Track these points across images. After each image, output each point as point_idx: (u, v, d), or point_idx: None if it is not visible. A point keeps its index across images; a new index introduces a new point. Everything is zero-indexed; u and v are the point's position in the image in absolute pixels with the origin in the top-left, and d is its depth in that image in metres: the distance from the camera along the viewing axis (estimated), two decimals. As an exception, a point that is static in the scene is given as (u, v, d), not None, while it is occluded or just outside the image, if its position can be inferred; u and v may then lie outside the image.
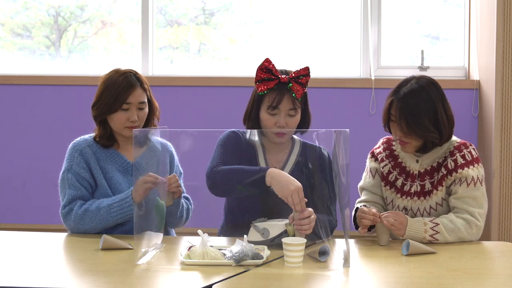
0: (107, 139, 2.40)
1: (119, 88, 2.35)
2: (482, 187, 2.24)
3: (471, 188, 2.22)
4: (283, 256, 1.92)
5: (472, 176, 2.23)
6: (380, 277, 1.81)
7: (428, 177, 2.29)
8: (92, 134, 2.46)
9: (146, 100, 2.41)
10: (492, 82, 3.62)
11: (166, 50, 4.19)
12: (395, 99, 2.23)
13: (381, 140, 2.47)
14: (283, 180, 2.01)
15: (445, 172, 2.25)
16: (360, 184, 2.47)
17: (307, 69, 2.23)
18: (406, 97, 2.20)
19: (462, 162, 2.24)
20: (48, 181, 3.98)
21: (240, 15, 4.16)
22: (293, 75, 2.22)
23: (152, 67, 4.05)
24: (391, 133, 2.32)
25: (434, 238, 2.16)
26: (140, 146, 2.39)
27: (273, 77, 2.21)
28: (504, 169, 3.60)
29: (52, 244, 2.20)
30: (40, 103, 3.99)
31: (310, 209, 2.02)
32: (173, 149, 2.53)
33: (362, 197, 2.44)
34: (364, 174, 2.46)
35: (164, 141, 2.49)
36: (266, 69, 2.22)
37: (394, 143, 2.41)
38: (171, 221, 2.36)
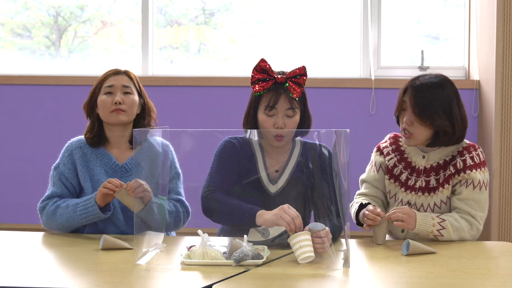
0: (95, 135, 2.40)
1: (101, 77, 2.42)
2: (486, 191, 2.25)
3: (476, 191, 2.23)
4: (283, 256, 1.92)
5: (479, 180, 2.23)
6: (380, 277, 1.81)
7: (434, 174, 2.29)
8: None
9: (132, 87, 2.41)
10: (492, 82, 3.62)
11: (166, 50, 4.19)
12: (410, 86, 2.25)
13: (388, 136, 2.46)
14: (270, 213, 2.01)
15: (453, 171, 2.25)
16: (363, 176, 2.45)
17: (303, 69, 2.19)
18: (422, 86, 2.23)
19: (471, 163, 2.24)
20: (48, 181, 3.97)
21: (240, 15, 4.16)
22: (290, 74, 2.20)
23: (152, 67, 4.05)
24: (399, 124, 2.31)
25: (440, 233, 2.17)
26: (133, 147, 2.38)
27: (269, 77, 2.19)
28: (504, 169, 3.60)
29: (52, 244, 2.20)
30: (40, 103, 3.99)
31: (327, 228, 1.96)
32: (172, 150, 2.51)
33: (363, 190, 2.43)
34: (368, 167, 2.45)
35: (163, 140, 2.47)
36: (262, 69, 2.19)
37: (401, 139, 2.39)
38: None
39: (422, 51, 3.97)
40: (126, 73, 2.43)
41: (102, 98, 2.38)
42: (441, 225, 2.17)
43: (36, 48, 4.25)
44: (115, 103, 2.35)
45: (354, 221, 2.30)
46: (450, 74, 3.94)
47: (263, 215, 2.03)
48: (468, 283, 1.72)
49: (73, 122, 3.95)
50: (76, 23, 4.22)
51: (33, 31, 4.25)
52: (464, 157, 2.25)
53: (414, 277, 1.78)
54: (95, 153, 2.40)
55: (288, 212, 1.96)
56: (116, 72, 2.42)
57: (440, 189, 2.27)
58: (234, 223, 2.14)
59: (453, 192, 2.27)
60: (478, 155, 2.27)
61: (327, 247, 1.93)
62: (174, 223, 2.36)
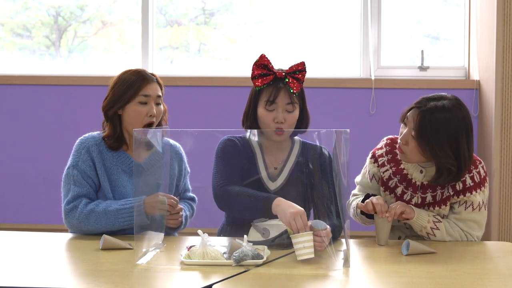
0: (115, 140, 2.33)
1: (131, 79, 2.29)
2: (485, 211, 2.24)
3: (475, 212, 2.21)
4: (283, 256, 1.92)
5: (479, 202, 2.21)
6: (380, 277, 1.81)
7: (431, 191, 2.25)
8: (100, 132, 2.40)
9: (162, 96, 2.36)
10: (492, 82, 3.62)
11: (166, 50, 4.19)
12: (419, 108, 2.13)
13: (384, 141, 2.40)
14: (284, 207, 1.99)
15: (452, 193, 2.22)
16: (357, 179, 2.45)
17: (302, 64, 2.23)
18: (431, 112, 2.10)
19: (471, 184, 2.20)
20: (48, 181, 3.98)
21: (240, 15, 4.16)
22: (290, 70, 2.22)
23: (152, 67, 4.05)
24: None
25: (433, 232, 2.18)
26: (148, 148, 2.33)
27: (269, 72, 2.22)
28: (504, 169, 3.60)
29: (52, 244, 2.20)
30: (40, 103, 3.99)
31: (328, 227, 1.97)
32: (182, 151, 2.50)
33: (357, 192, 2.43)
34: (363, 171, 2.43)
35: (173, 142, 2.48)
36: (262, 65, 2.22)
37: (397, 145, 2.36)
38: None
39: (422, 51, 3.97)
40: (157, 80, 2.36)
41: (135, 107, 2.29)
42: (435, 225, 2.18)
43: (36, 48, 4.24)
44: (150, 115, 2.30)
45: (355, 212, 2.27)
46: (450, 74, 3.97)
47: (280, 205, 2.01)
48: (468, 283, 1.72)
49: (73, 122, 3.96)
50: (76, 23, 4.22)
51: (33, 31, 4.25)
52: (464, 178, 2.20)
53: (414, 277, 1.78)
54: (112, 153, 2.33)
55: (303, 219, 1.94)
56: (147, 79, 2.32)
57: (437, 208, 2.24)
58: (252, 212, 2.11)
59: (450, 209, 2.26)
60: (478, 172, 2.21)
61: (325, 247, 1.93)
62: (184, 225, 2.39)
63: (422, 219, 2.18)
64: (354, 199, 2.36)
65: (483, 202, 2.22)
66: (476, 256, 2.02)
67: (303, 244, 1.88)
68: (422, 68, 3.96)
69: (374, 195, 2.24)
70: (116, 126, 2.33)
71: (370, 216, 2.21)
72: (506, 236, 3.62)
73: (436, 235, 2.18)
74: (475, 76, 3.87)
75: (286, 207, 1.98)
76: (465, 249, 2.12)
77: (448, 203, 2.23)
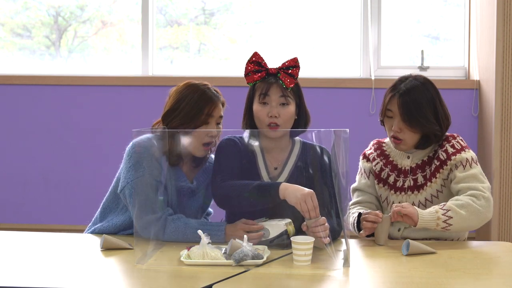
0: (176, 156, 2.24)
1: (200, 102, 2.24)
2: (477, 165, 2.28)
3: (467, 169, 2.25)
4: (283, 256, 1.92)
5: (466, 158, 2.26)
6: (380, 277, 1.81)
7: (420, 171, 2.33)
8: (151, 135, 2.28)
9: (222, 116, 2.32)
10: (492, 82, 3.62)
11: (166, 50, 4.19)
12: (396, 94, 2.27)
13: (372, 143, 2.50)
14: (293, 189, 2.01)
15: (438, 164, 2.29)
16: (354, 185, 2.48)
17: (295, 60, 2.23)
18: (408, 92, 2.26)
19: (453, 150, 2.29)
20: (48, 181, 3.98)
21: (240, 15, 4.16)
22: (282, 66, 2.23)
23: (152, 67, 4.05)
24: (384, 127, 2.36)
25: (447, 216, 2.14)
26: (196, 165, 2.33)
27: (261, 68, 2.24)
28: (504, 169, 3.60)
29: (52, 244, 2.20)
30: (40, 103, 3.99)
31: (322, 217, 1.99)
32: None
33: (355, 199, 2.45)
34: (358, 176, 2.49)
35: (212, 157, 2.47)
36: (255, 62, 2.24)
37: (384, 144, 2.44)
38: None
39: (422, 51, 3.97)
40: (221, 101, 2.31)
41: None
42: (444, 209, 2.15)
43: (36, 48, 4.25)
44: (211, 136, 2.24)
45: (356, 231, 2.27)
46: (450, 74, 3.97)
47: (287, 188, 2.03)
48: (468, 283, 1.73)
49: (73, 122, 3.96)
50: (76, 23, 4.22)
51: (33, 31, 4.25)
52: (445, 148, 2.30)
53: (414, 277, 1.78)
54: (169, 168, 2.24)
55: (313, 200, 1.98)
56: (216, 103, 2.26)
57: (428, 183, 2.30)
58: (257, 201, 2.10)
59: (450, 182, 2.28)
60: (458, 142, 2.32)
61: (328, 236, 1.95)
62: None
63: (428, 213, 2.15)
64: (351, 214, 2.35)
65: (472, 158, 2.27)
66: (476, 256, 2.03)
67: (305, 251, 1.88)
68: (422, 68, 3.96)
69: (363, 213, 2.26)
70: (178, 142, 2.25)
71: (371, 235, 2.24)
72: (506, 236, 3.61)
73: (452, 216, 2.14)
74: (475, 76, 3.87)
75: (296, 190, 2.01)
76: (465, 249, 2.12)
77: (437, 176, 2.28)
